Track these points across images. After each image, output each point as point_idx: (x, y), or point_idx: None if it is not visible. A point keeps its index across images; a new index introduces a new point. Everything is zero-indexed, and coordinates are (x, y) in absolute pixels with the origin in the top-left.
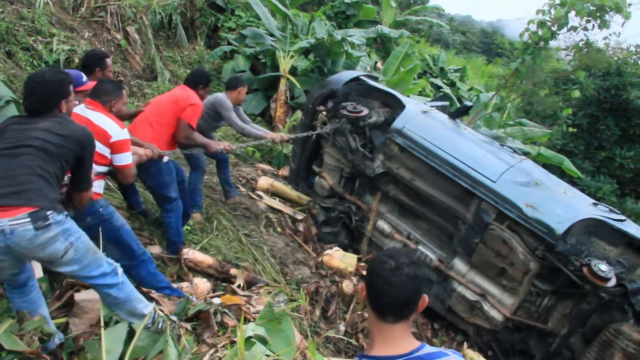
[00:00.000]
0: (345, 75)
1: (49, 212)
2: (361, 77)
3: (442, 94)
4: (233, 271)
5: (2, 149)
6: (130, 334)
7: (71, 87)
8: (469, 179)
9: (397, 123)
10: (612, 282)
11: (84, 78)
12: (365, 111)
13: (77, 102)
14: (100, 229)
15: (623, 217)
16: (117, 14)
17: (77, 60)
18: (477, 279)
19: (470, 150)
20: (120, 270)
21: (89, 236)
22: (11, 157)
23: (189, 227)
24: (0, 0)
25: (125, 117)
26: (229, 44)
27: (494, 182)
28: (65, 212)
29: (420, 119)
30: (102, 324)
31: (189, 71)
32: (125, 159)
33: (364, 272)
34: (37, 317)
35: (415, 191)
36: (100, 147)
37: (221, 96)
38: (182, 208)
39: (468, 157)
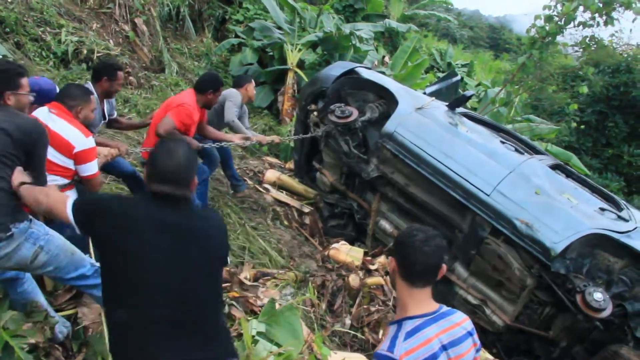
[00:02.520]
0: (335, 69)
1: (9, 224)
2: (356, 69)
3: (451, 70)
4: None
5: None
6: None
7: (21, 80)
8: (462, 190)
9: (388, 126)
10: (607, 313)
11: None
12: (355, 114)
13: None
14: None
15: (632, 225)
16: (125, 5)
17: (85, 51)
18: (478, 285)
19: (465, 155)
20: None
21: (75, 242)
22: None
23: None
24: None
25: (128, 128)
26: (237, 36)
27: (488, 195)
28: (30, 217)
29: (413, 119)
30: (104, 316)
31: (196, 63)
32: (91, 169)
33: (370, 267)
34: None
35: (411, 196)
36: (61, 159)
37: (233, 90)
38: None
39: (462, 165)
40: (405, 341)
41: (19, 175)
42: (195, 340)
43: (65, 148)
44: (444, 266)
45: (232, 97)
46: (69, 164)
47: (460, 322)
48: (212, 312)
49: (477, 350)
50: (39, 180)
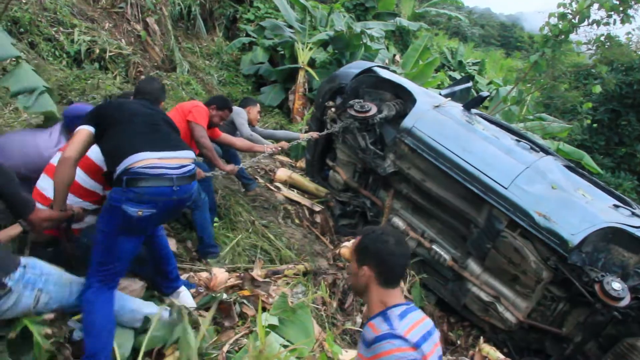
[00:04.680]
0: (354, 67)
1: (4, 279)
2: (373, 68)
3: (464, 74)
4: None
5: None
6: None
7: None
8: (479, 184)
9: (407, 122)
10: (625, 302)
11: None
12: (374, 110)
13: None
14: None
15: None
16: (137, 4)
17: (97, 51)
18: (491, 281)
19: (483, 150)
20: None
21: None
22: None
23: (216, 224)
24: None
25: None
26: (248, 35)
27: (506, 188)
28: (22, 263)
29: (431, 115)
30: None
31: (207, 62)
32: None
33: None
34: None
35: (427, 191)
36: (90, 183)
37: (239, 108)
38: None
39: (480, 159)
40: (401, 321)
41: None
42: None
43: (93, 169)
44: None
45: (240, 115)
46: (97, 188)
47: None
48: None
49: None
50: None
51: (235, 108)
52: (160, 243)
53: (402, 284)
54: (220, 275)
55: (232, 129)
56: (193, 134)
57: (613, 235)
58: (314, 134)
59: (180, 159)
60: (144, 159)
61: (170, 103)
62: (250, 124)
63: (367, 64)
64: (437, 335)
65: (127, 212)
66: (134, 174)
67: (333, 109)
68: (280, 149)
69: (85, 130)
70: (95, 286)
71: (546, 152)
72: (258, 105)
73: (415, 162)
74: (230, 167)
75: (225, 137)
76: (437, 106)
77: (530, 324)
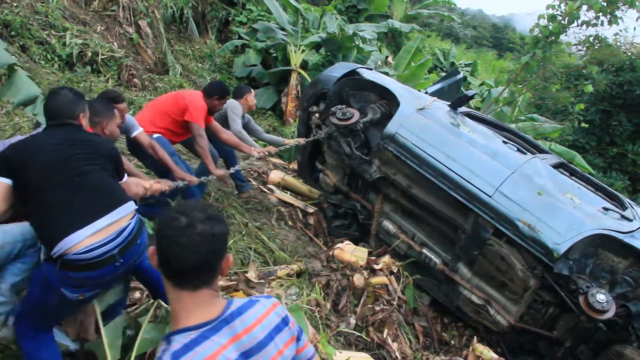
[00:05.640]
0: (337, 71)
1: None
2: (358, 69)
3: (454, 67)
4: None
5: None
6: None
7: None
8: (464, 192)
9: (390, 128)
10: (610, 314)
11: None
12: (356, 116)
13: None
14: None
15: (636, 225)
16: (129, 7)
17: (89, 54)
18: (482, 285)
19: (467, 156)
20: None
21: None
22: None
23: None
24: None
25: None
26: (240, 38)
27: (490, 196)
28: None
29: (415, 120)
30: (99, 320)
31: (200, 65)
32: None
33: (375, 266)
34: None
35: (413, 197)
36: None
37: (233, 101)
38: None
39: (464, 166)
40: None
41: None
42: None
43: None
44: (229, 257)
45: (233, 109)
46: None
47: (260, 318)
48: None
49: (299, 339)
50: None
51: (230, 101)
52: (146, 268)
53: (213, 289)
54: None
55: (225, 121)
56: (191, 132)
57: (601, 241)
58: (301, 140)
59: (118, 222)
60: (76, 243)
61: None
62: (250, 109)
63: (350, 66)
64: (267, 352)
65: (65, 295)
66: (68, 261)
67: (317, 115)
68: (267, 153)
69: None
70: (30, 335)
71: (538, 149)
72: (253, 91)
73: (401, 169)
74: (221, 172)
75: (215, 125)
76: (421, 109)
77: (521, 327)
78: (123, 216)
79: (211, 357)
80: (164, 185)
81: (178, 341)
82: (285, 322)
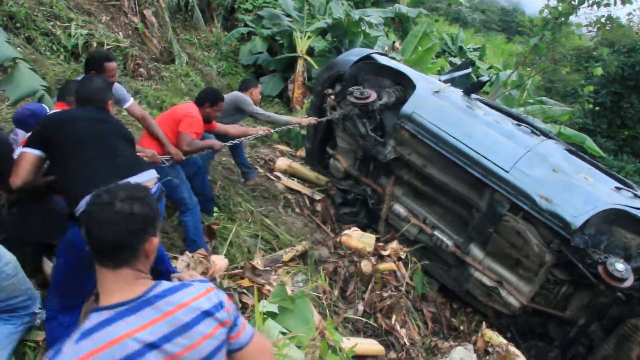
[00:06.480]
0: (353, 55)
1: None
2: (372, 55)
3: (464, 60)
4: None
5: None
6: None
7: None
8: (481, 168)
9: (406, 108)
10: (629, 282)
11: (46, 110)
12: (373, 96)
13: None
14: None
15: None
16: None
17: (95, 44)
18: (494, 266)
19: (484, 135)
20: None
21: None
22: None
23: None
24: None
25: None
26: (246, 25)
27: (507, 171)
28: None
29: (431, 101)
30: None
31: (206, 54)
32: None
33: (382, 252)
34: None
35: (428, 177)
36: None
37: (240, 94)
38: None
39: (481, 143)
40: (76, 344)
41: None
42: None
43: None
44: (153, 240)
45: (244, 102)
46: None
47: (188, 301)
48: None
49: (232, 328)
50: None
51: (238, 95)
52: None
53: (136, 270)
54: (219, 262)
55: (234, 114)
56: (178, 142)
57: (615, 217)
58: (312, 120)
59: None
60: None
61: (168, 95)
62: (255, 104)
63: (365, 51)
64: (185, 339)
65: (89, 256)
66: None
67: (332, 97)
68: (272, 131)
69: (30, 155)
70: (58, 317)
71: (547, 136)
72: (259, 85)
73: (416, 148)
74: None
75: (220, 127)
76: (436, 92)
77: (533, 307)
78: (147, 180)
79: (111, 342)
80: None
81: (91, 320)
82: (217, 307)
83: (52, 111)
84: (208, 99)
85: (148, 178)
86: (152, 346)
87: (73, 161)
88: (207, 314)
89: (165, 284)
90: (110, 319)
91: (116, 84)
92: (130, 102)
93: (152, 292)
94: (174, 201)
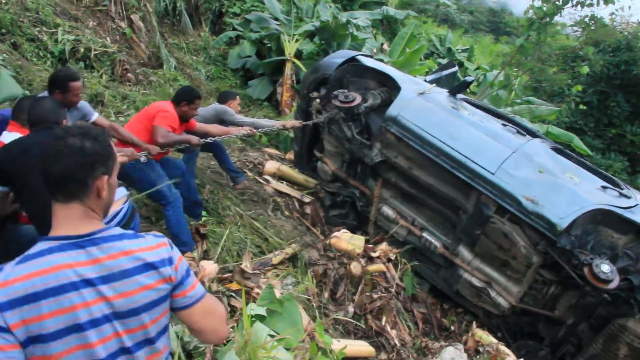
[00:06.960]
0: (337, 57)
1: None
2: (357, 57)
3: (450, 59)
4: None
5: None
6: None
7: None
8: (467, 170)
9: (392, 110)
10: (614, 284)
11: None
12: (358, 99)
13: None
14: None
15: (633, 202)
16: (121, 2)
17: (82, 50)
18: (483, 267)
19: (469, 136)
20: None
21: None
22: None
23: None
24: None
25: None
26: (234, 29)
27: (493, 173)
28: None
29: (416, 103)
30: None
31: (194, 58)
32: None
33: (372, 254)
34: None
35: (414, 179)
36: None
37: (220, 105)
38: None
39: (466, 145)
40: (16, 265)
41: None
42: None
43: None
44: (103, 178)
45: (226, 112)
46: None
47: (133, 250)
48: None
49: (177, 287)
50: None
51: (219, 106)
52: None
53: (86, 207)
54: (209, 267)
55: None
56: (153, 135)
57: (602, 217)
58: (296, 123)
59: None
60: None
61: (157, 99)
62: None
63: (350, 53)
64: (122, 285)
65: None
66: None
67: (317, 100)
68: (254, 131)
69: None
70: None
71: (534, 134)
72: (237, 97)
73: (402, 151)
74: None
75: (200, 126)
76: (422, 93)
77: (522, 308)
78: (116, 199)
79: (53, 268)
80: (122, 157)
81: (37, 246)
82: (163, 262)
83: (7, 135)
84: (185, 97)
85: (118, 197)
86: (88, 282)
87: (35, 189)
88: (150, 266)
89: (116, 230)
90: (53, 248)
91: (81, 102)
92: (95, 115)
93: (100, 234)
94: (154, 196)
